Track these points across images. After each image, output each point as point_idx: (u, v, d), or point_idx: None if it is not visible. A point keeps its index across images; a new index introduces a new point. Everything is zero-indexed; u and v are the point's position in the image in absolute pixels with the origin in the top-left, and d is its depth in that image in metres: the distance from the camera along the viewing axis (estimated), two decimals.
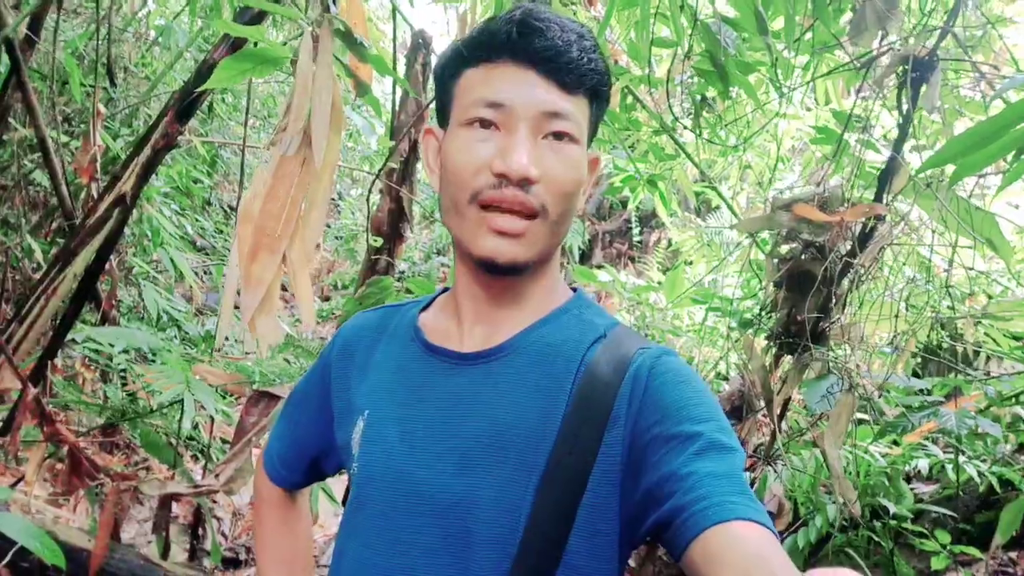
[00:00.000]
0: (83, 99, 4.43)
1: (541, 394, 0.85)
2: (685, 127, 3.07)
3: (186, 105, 2.60)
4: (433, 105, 0.95)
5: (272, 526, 1.14)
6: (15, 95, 3.56)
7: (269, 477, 1.13)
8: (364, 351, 0.98)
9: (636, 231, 8.15)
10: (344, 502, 1.30)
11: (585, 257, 8.19)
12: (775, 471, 2.21)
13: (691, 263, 6.18)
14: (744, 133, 3.73)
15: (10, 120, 4.02)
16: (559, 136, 0.83)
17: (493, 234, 0.82)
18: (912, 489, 2.84)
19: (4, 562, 2.02)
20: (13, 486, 2.21)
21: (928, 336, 2.42)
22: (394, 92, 3.06)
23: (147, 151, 2.69)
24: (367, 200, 2.81)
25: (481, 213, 0.83)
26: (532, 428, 0.83)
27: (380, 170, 2.88)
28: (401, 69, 2.98)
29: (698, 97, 2.02)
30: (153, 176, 3.13)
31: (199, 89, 2.10)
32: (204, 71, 2.54)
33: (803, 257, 1.72)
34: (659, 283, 5.79)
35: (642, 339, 0.90)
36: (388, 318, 1.00)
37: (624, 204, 8.74)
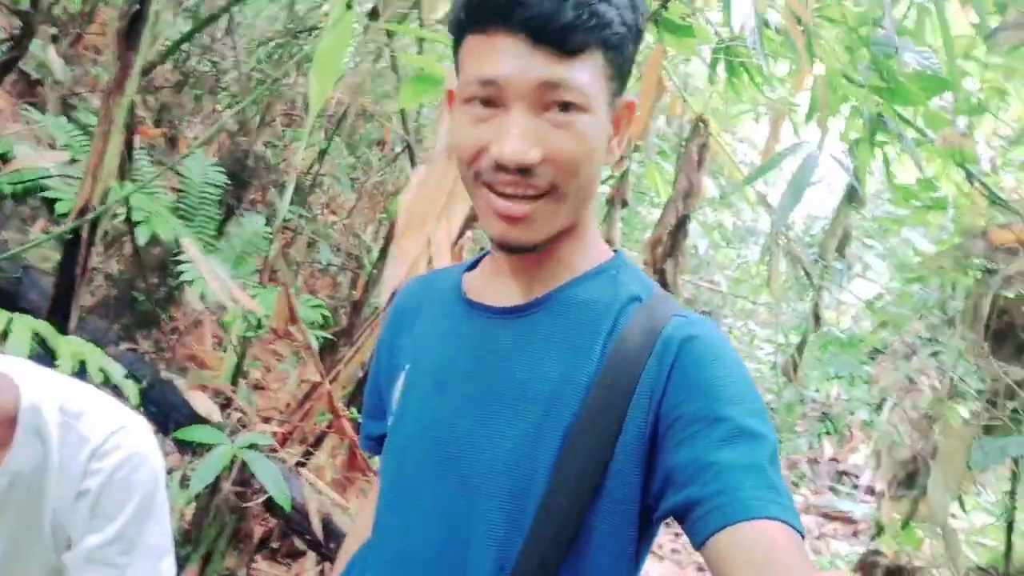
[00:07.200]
0: None
1: (569, 352, 0.83)
2: None
3: None
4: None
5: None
6: None
7: (368, 452, 1.14)
8: (411, 313, 0.99)
9: None
10: None
11: None
12: None
13: None
14: None
15: None
16: (564, 107, 0.77)
17: (499, 219, 0.80)
18: None
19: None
20: (300, 464, 2.77)
21: None
22: (676, 175, 3.22)
23: None
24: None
25: (487, 193, 0.80)
26: (556, 385, 0.82)
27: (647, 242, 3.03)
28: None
29: None
30: None
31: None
32: None
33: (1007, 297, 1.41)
34: None
35: (679, 307, 0.86)
36: (434, 281, 1.02)
37: None
